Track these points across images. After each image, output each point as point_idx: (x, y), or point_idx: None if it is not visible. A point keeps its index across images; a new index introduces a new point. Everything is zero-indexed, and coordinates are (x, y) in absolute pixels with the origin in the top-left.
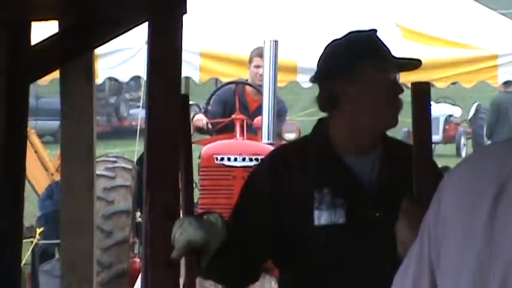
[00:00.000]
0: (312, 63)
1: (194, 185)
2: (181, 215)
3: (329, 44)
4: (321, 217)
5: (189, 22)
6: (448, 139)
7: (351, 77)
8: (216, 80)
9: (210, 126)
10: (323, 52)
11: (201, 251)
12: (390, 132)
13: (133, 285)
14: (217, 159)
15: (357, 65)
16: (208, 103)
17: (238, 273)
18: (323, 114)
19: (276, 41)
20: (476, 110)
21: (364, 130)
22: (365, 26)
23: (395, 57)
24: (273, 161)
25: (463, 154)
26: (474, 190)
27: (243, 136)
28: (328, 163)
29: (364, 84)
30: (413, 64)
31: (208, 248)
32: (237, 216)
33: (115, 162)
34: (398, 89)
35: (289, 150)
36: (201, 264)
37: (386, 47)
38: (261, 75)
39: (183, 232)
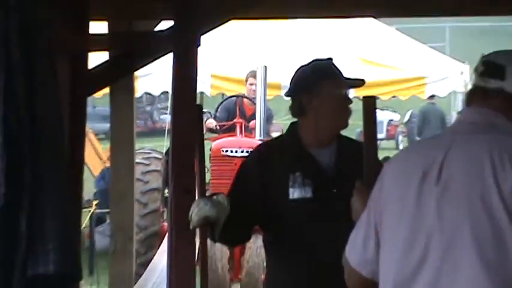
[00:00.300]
0: None
1: (206, 170)
2: (196, 193)
3: (298, 68)
4: (294, 193)
5: (203, 52)
6: (389, 137)
7: (314, 93)
8: (222, 94)
9: (218, 127)
10: (294, 74)
11: (212, 224)
12: (346, 132)
13: (162, 242)
14: (223, 151)
15: (318, 84)
16: (216, 111)
17: (237, 236)
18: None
19: (265, 66)
20: (410, 116)
21: (323, 130)
22: (334, 57)
23: (346, 78)
24: (259, 153)
25: (400, 147)
26: (406, 173)
27: (242, 134)
28: (298, 154)
29: (323, 98)
30: (358, 83)
31: (218, 222)
32: (234, 194)
33: (149, 153)
34: (348, 101)
35: (270, 145)
36: (214, 234)
37: (339, 70)
38: (255, 91)
39: (200, 210)
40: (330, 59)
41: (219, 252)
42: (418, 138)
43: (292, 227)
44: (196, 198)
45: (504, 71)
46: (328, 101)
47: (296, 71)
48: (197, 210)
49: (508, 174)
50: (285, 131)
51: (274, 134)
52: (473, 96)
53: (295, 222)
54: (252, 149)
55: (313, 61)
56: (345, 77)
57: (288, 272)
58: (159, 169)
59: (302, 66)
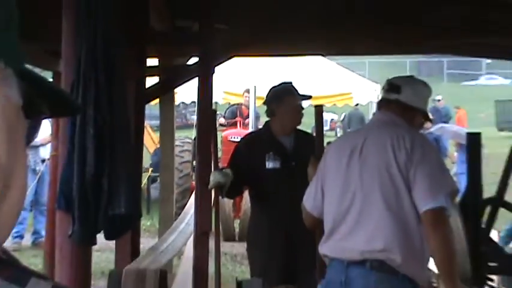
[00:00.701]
0: None
1: (219, 150)
2: (212, 167)
3: (271, 88)
4: (269, 164)
5: (218, 76)
6: (331, 129)
7: (280, 103)
8: (229, 102)
9: (226, 123)
10: (268, 92)
11: (222, 186)
12: (304, 127)
13: (191, 194)
14: (229, 138)
15: (283, 98)
16: (225, 113)
17: (236, 192)
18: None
19: (255, 86)
20: (344, 117)
21: (286, 126)
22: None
23: (300, 94)
24: (246, 140)
25: (338, 136)
26: (340, 152)
27: (241, 128)
28: (271, 140)
29: (285, 106)
30: (307, 97)
31: (226, 185)
32: (232, 166)
33: (184, 139)
34: (300, 108)
35: (254, 135)
36: (223, 192)
37: (296, 89)
38: (248, 100)
39: (215, 178)
40: (290, 82)
41: (226, 200)
42: (348, 130)
43: (267, 185)
44: (212, 170)
45: (400, 88)
46: (289, 108)
47: (270, 89)
48: (213, 178)
49: (402, 152)
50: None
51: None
52: (381, 105)
53: (269, 183)
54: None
55: (280, 83)
56: (299, 93)
57: (264, 213)
58: (190, 149)
59: (274, 87)
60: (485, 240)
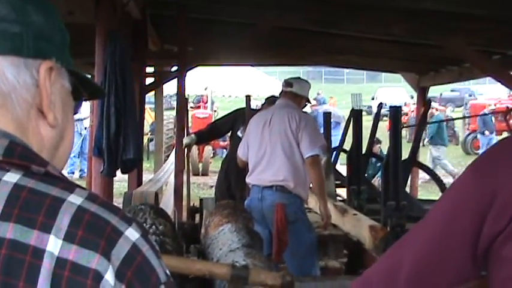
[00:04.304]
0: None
1: (189, 123)
2: (185, 133)
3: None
4: (240, 134)
5: (189, 78)
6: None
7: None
8: (196, 94)
9: (194, 106)
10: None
11: (189, 145)
12: None
13: (173, 149)
14: (196, 115)
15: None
16: (194, 100)
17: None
18: None
19: (211, 85)
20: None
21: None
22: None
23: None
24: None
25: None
26: (258, 121)
27: (203, 109)
28: (243, 121)
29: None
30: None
31: (191, 144)
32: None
33: (169, 116)
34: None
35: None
36: (190, 148)
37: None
38: (207, 93)
39: (185, 140)
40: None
41: (194, 151)
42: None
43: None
44: (185, 135)
45: (292, 84)
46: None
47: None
48: (185, 140)
49: (293, 123)
50: None
51: None
52: (282, 95)
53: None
54: None
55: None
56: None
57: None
58: (172, 121)
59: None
60: (364, 183)
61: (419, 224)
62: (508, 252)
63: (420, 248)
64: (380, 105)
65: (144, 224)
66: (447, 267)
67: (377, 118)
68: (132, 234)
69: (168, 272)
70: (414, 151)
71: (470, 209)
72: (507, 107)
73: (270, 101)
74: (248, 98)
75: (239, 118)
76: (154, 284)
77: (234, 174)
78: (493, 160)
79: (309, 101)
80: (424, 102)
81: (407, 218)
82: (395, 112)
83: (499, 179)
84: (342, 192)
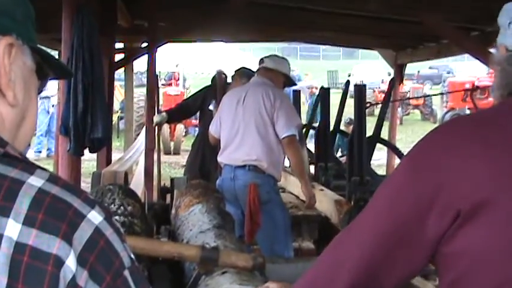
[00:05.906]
0: None
1: (160, 100)
2: (156, 112)
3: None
4: (210, 107)
5: (160, 55)
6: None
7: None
8: (168, 71)
9: (165, 83)
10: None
11: (159, 123)
12: None
13: (143, 127)
14: (167, 93)
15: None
16: (165, 77)
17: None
18: None
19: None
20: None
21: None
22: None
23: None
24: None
25: None
26: (231, 98)
27: (175, 86)
28: (215, 97)
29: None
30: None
31: (162, 123)
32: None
33: (139, 94)
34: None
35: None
36: (161, 126)
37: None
38: (179, 70)
39: (156, 118)
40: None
41: (166, 129)
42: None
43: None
44: (156, 113)
45: (263, 60)
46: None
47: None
48: (155, 118)
49: (268, 101)
50: None
51: None
52: (256, 72)
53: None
54: None
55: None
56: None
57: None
58: (143, 99)
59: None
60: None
61: (356, 222)
62: (453, 256)
63: (364, 241)
64: (347, 83)
65: (112, 205)
66: (393, 263)
67: (345, 96)
68: (95, 217)
69: (132, 256)
70: (378, 128)
71: (410, 205)
72: (473, 84)
73: (240, 72)
74: (220, 73)
75: (209, 95)
76: (117, 268)
77: (208, 151)
78: (432, 152)
79: (289, 80)
80: (399, 80)
81: (370, 193)
82: (359, 90)
83: (443, 173)
84: (311, 169)
